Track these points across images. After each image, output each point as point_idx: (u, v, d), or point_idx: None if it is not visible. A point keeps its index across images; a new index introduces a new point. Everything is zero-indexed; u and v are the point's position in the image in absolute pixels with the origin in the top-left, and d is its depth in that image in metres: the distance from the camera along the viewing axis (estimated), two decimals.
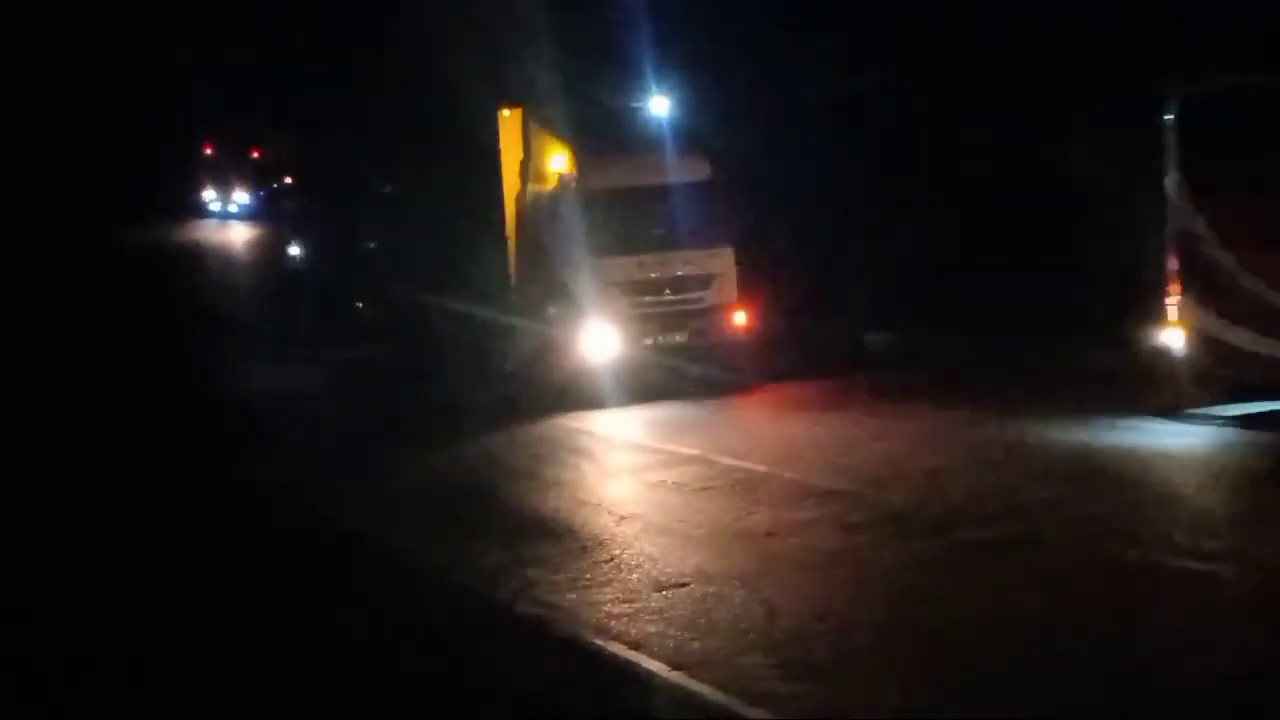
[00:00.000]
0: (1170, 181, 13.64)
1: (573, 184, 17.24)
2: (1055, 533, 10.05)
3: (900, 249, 19.54)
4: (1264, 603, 8.29)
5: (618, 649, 8.26)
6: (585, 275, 16.91)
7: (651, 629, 8.53)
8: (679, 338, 17.07)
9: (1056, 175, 18.00)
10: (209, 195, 41.83)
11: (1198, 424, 13.25)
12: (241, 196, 40.66)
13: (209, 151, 42.00)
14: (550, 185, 17.64)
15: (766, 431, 14.75)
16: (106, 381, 18.27)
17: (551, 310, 17.37)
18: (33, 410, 16.23)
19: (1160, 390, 13.89)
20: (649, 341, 16.98)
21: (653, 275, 17.18)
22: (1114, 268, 15.73)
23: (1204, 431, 13.06)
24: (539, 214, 17.78)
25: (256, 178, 40.03)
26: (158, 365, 19.90)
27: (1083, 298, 16.68)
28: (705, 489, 12.23)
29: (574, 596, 9.33)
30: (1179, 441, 12.82)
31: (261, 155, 39.86)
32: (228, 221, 40.21)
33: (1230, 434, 12.89)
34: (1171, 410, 13.55)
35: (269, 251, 33.59)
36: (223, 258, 35.26)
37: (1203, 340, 13.39)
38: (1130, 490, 11.18)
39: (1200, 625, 7.93)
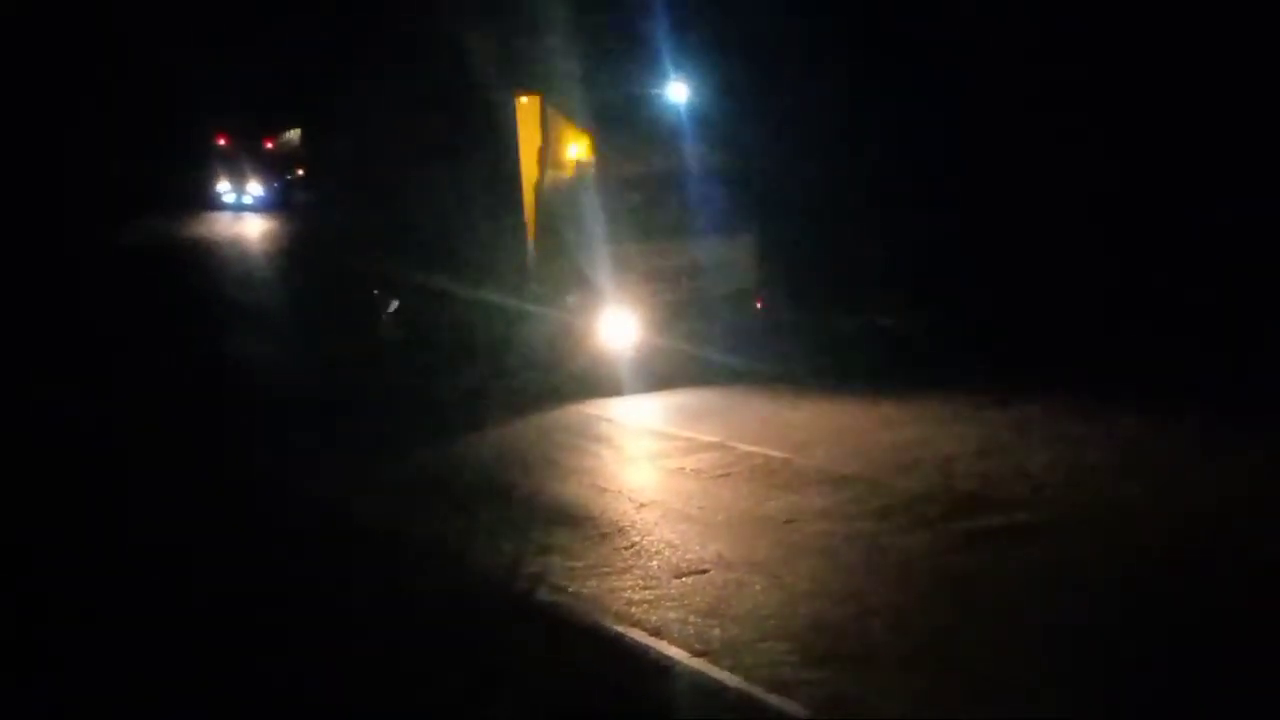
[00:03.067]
0: None
1: (591, 171, 17.24)
2: (1073, 520, 10.06)
3: (917, 236, 19.50)
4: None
5: (638, 636, 8.30)
6: (603, 263, 16.91)
7: (672, 615, 8.58)
8: (697, 325, 17.06)
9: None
10: (223, 187, 41.48)
11: None
12: (256, 188, 40.48)
13: (222, 142, 41.69)
14: (568, 173, 17.64)
15: (785, 418, 14.74)
16: (122, 368, 18.39)
17: (570, 298, 17.38)
18: (49, 402, 16.32)
19: None
20: (667, 328, 16.98)
21: (671, 262, 17.18)
22: None
23: None
24: (557, 202, 17.77)
25: (271, 169, 39.90)
26: (173, 355, 19.95)
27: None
28: (724, 475, 12.25)
29: (594, 583, 9.37)
30: None
31: (275, 146, 39.72)
32: (242, 214, 39.96)
33: None
34: None
35: (286, 243, 33.58)
36: (240, 251, 35.15)
37: None
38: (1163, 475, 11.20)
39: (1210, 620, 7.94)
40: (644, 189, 17.11)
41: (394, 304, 22.09)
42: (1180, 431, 12.64)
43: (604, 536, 10.55)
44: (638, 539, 10.38)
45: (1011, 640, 7.80)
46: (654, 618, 8.57)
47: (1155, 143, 17.64)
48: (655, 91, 18.17)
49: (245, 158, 40.29)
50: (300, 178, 37.22)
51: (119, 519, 11.37)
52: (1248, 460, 11.43)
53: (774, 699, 7.22)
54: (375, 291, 22.63)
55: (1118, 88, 18.15)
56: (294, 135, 37.80)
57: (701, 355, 16.81)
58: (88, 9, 36.99)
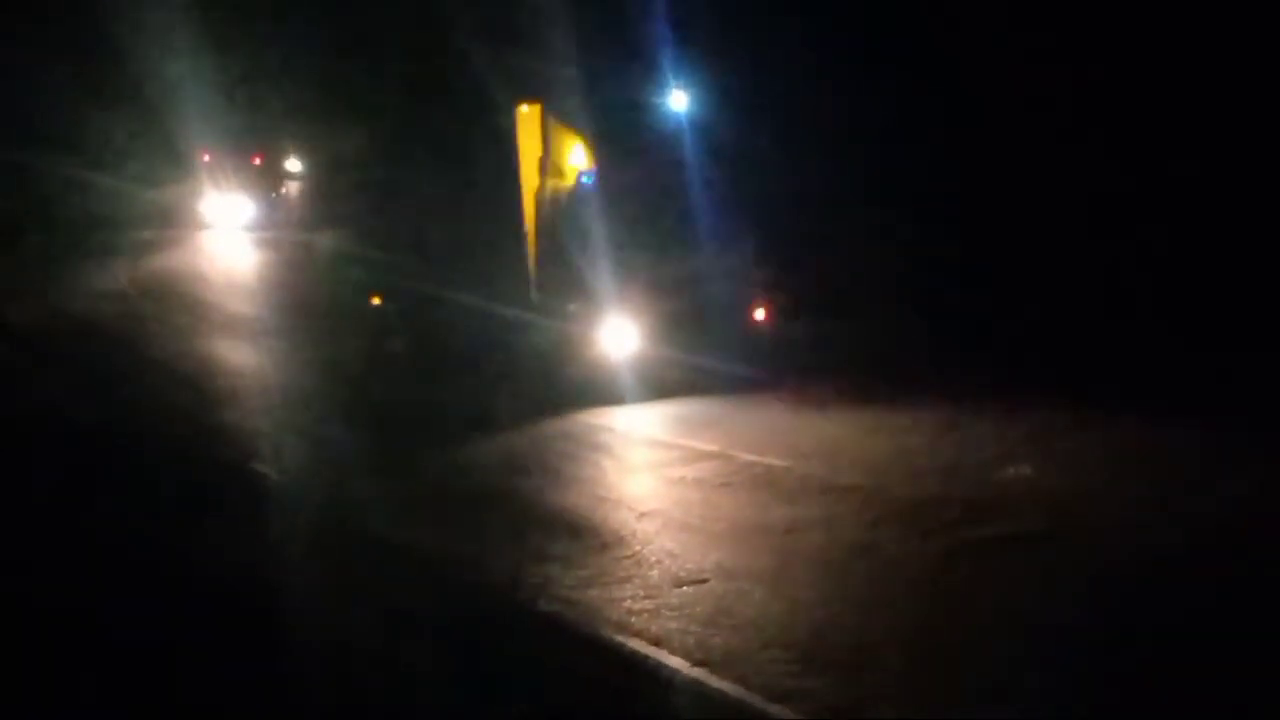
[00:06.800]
0: None
1: (592, 180, 17.24)
2: (1076, 527, 10.02)
3: (920, 243, 19.47)
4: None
5: (638, 645, 8.27)
6: (604, 272, 16.90)
7: (672, 625, 8.54)
8: (698, 334, 17.03)
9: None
10: (208, 205, 39.85)
11: None
12: (244, 206, 38.93)
13: (207, 158, 40.15)
14: (569, 182, 17.64)
15: (786, 427, 14.71)
16: (117, 373, 18.41)
17: (570, 306, 17.36)
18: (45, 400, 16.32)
19: None
20: (668, 337, 16.95)
21: (672, 271, 17.16)
22: None
23: None
24: (558, 211, 17.77)
25: (259, 185, 38.65)
26: (169, 361, 19.96)
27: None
28: (725, 485, 12.22)
29: (594, 593, 9.34)
30: None
31: (263, 161, 38.61)
32: (231, 233, 38.85)
33: None
34: None
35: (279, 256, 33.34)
36: (231, 263, 34.83)
37: None
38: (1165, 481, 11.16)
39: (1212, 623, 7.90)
40: (644, 198, 17.12)
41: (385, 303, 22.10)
42: (1182, 436, 12.58)
43: (604, 546, 10.52)
44: (638, 548, 10.35)
45: (1014, 649, 7.75)
46: (654, 627, 8.54)
47: (1158, 143, 17.63)
48: (656, 100, 18.18)
49: (233, 174, 38.92)
50: (286, 195, 36.72)
51: (120, 519, 11.34)
52: (1252, 465, 11.39)
53: (775, 708, 7.19)
54: (376, 301, 22.63)
55: (1121, 88, 18.13)
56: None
57: (702, 364, 16.76)
58: (69, 15, 36.50)
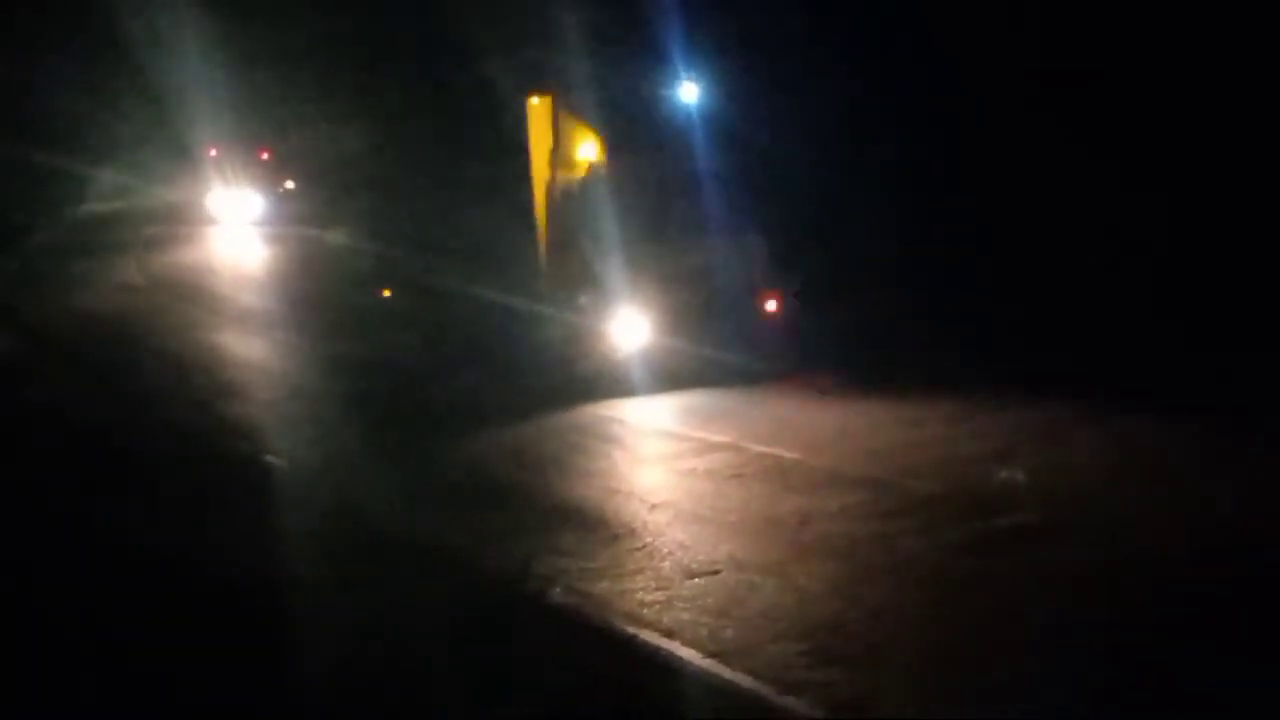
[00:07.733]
0: None
1: (602, 172, 17.23)
2: (1085, 522, 10.00)
3: (930, 234, 19.44)
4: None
5: (650, 637, 8.28)
6: (615, 263, 16.89)
7: (684, 617, 8.55)
8: (709, 325, 17.01)
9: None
10: (216, 201, 39.46)
11: None
12: (252, 201, 38.48)
13: (214, 154, 39.75)
14: (580, 173, 17.64)
15: (797, 418, 14.70)
16: (130, 365, 18.46)
17: (582, 299, 17.36)
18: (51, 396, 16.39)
19: None
20: (679, 328, 16.94)
21: (683, 263, 17.14)
22: None
23: None
24: (568, 202, 17.76)
25: (266, 180, 38.27)
26: (181, 353, 20.03)
27: None
28: (736, 476, 12.21)
29: (606, 585, 9.35)
30: None
31: (271, 156, 38.28)
32: (239, 228, 38.62)
33: None
34: None
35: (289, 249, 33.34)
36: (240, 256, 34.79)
37: None
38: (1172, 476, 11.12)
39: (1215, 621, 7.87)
40: (655, 189, 17.11)
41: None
42: (1184, 435, 12.53)
43: (616, 538, 10.53)
44: (649, 540, 10.35)
45: (1023, 642, 7.75)
46: (666, 619, 8.54)
47: (1158, 141, 17.59)
48: (667, 91, 18.16)
49: (240, 169, 38.52)
50: (291, 190, 36.58)
51: (123, 512, 11.37)
52: (1256, 462, 11.34)
53: (786, 700, 7.19)
54: (386, 293, 22.68)
55: (1123, 85, 18.11)
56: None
57: (713, 356, 16.75)
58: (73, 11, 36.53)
